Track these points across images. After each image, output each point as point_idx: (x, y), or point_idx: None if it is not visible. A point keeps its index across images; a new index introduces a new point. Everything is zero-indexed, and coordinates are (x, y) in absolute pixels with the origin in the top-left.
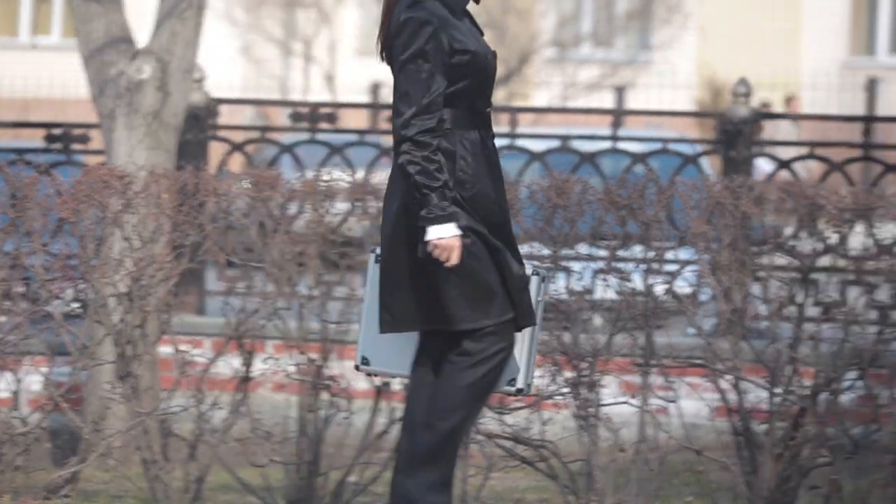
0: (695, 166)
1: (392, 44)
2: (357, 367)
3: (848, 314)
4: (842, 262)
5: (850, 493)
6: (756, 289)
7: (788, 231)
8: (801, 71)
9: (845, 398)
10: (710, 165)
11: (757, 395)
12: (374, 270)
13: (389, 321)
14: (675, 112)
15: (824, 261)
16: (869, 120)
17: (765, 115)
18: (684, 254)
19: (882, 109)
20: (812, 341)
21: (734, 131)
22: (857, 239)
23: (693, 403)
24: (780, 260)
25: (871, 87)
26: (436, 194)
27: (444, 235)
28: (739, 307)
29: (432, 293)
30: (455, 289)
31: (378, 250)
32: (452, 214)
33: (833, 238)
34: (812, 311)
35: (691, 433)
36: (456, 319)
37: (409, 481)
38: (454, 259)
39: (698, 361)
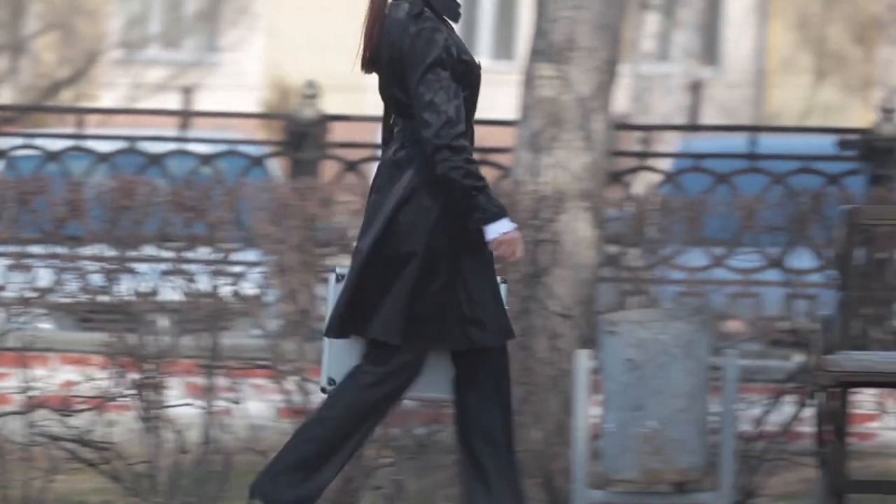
0: (262, 168)
1: (397, 56)
2: (323, 390)
3: None
4: None
5: (414, 493)
6: (322, 290)
7: (355, 232)
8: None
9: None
10: (278, 167)
11: (321, 396)
12: (336, 290)
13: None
14: (242, 114)
15: None
16: None
17: (331, 117)
18: (251, 255)
19: None
20: None
21: (301, 133)
22: None
23: (258, 404)
24: (346, 260)
25: None
26: (483, 194)
27: (505, 230)
28: (305, 308)
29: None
30: (430, 301)
31: (339, 269)
32: (505, 209)
33: None
34: None
35: (256, 434)
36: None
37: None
38: (519, 252)
39: (264, 363)
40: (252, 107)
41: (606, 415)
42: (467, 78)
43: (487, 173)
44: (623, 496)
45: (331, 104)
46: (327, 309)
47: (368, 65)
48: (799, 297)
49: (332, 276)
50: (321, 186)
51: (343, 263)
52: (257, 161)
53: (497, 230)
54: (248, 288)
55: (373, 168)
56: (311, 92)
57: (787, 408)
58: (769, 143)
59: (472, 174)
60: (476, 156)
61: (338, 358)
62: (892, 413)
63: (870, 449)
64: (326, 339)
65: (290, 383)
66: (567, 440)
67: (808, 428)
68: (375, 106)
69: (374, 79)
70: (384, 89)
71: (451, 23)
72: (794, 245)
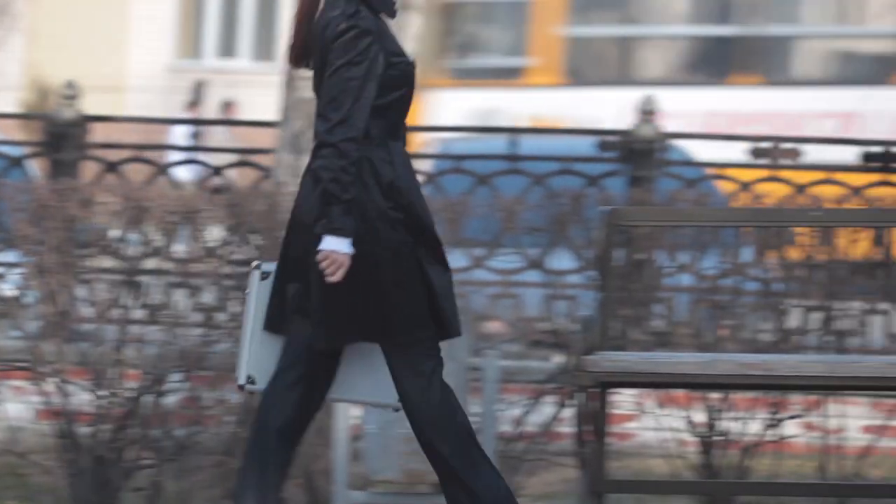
0: (21, 168)
1: (323, 46)
2: (241, 387)
3: (173, 316)
4: (167, 265)
5: (174, 495)
6: (82, 291)
7: (115, 233)
8: (130, 73)
9: (169, 400)
10: (37, 168)
11: (81, 398)
12: (260, 287)
13: (325, 335)
14: (1, 114)
15: (150, 263)
16: (196, 123)
17: (91, 117)
18: (10, 256)
19: (209, 111)
20: (138, 343)
21: (60, 134)
22: (183, 241)
23: (17, 406)
24: (106, 262)
25: (198, 89)
26: (342, 207)
27: (339, 250)
28: (64, 309)
29: (377, 304)
30: (401, 300)
31: (263, 266)
32: (350, 231)
33: (159, 240)
34: (138, 313)
35: (15, 436)
36: (395, 330)
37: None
38: (338, 276)
39: (22, 364)
40: (11, 107)
41: (367, 416)
42: (401, 78)
43: (248, 175)
44: (384, 497)
45: (91, 105)
46: (252, 307)
47: (297, 59)
48: (559, 298)
49: (257, 274)
50: (81, 187)
51: (259, 261)
52: (16, 162)
53: (331, 245)
54: (7, 289)
55: (133, 169)
56: (71, 92)
57: (547, 408)
58: (529, 144)
59: (341, 183)
60: (236, 157)
61: (258, 355)
62: (651, 413)
63: (629, 449)
64: (246, 336)
65: (50, 385)
66: (328, 441)
67: (567, 428)
68: (136, 106)
69: (133, 80)
70: (317, 85)
71: (387, 19)
72: (554, 246)
